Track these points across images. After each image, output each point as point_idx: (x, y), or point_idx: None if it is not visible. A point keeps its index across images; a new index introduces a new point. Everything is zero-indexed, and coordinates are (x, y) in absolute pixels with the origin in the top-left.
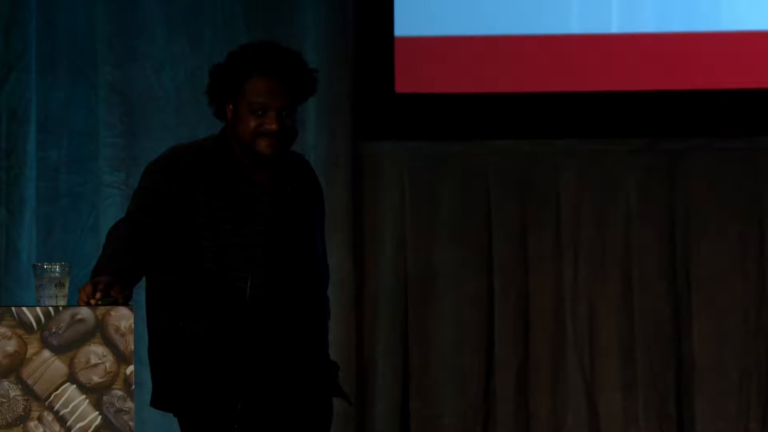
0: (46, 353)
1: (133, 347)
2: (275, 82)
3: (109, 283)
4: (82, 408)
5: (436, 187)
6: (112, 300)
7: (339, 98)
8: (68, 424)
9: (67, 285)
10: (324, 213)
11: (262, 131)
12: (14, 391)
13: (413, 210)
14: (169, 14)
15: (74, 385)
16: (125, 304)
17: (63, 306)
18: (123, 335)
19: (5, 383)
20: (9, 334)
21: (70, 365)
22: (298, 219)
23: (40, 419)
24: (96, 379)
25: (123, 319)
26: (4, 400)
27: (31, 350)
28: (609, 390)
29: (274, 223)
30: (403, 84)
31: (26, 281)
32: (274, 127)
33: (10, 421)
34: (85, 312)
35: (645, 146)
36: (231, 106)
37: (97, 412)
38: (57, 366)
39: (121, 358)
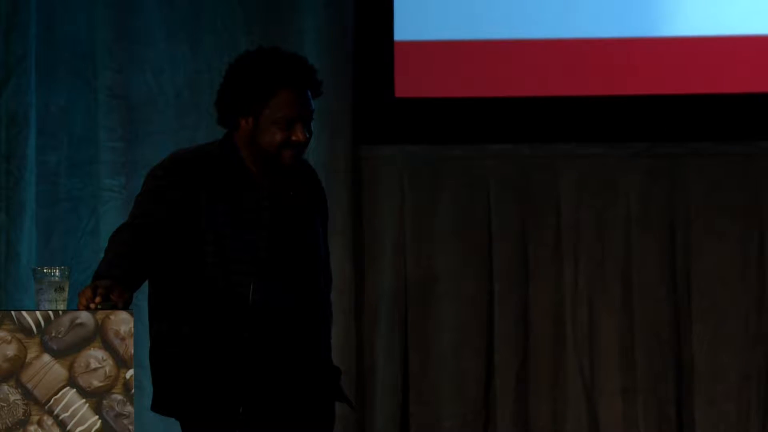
0: (46, 357)
1: (132, 351)
2: (300, 94)
3: (108, 287)
4: (81, 412)
5: (435, 191)
6: (111, 304)
7: (339, 102)
8: (68, 428)
9: (66, 289)
10: (327, 216)
11: (290, 143)
12: (14, 396)
13: (413, 214)
14: (169, 18)
15: (74, 390)
16: (125, 308)
17: (63, 310)
18: (123, 339)
19: (5, 387)
20: (9, 338)
21: (70, 369)
22: (301, 223)
23: (39, 423)
24: (96, 383)
25: (123, 323)
26: (3, 404)
27: (30, 354)
28: (609, 394)
29: (277, 228)
30: (403, 88)
31: (26, 285)
32: (301, 137)
33: (9, 425)
34: (84, 316)
35: (645, 150)
36: (251, 119)
37: (97, 417)
38: (57, 370)
39: (121, 363)
